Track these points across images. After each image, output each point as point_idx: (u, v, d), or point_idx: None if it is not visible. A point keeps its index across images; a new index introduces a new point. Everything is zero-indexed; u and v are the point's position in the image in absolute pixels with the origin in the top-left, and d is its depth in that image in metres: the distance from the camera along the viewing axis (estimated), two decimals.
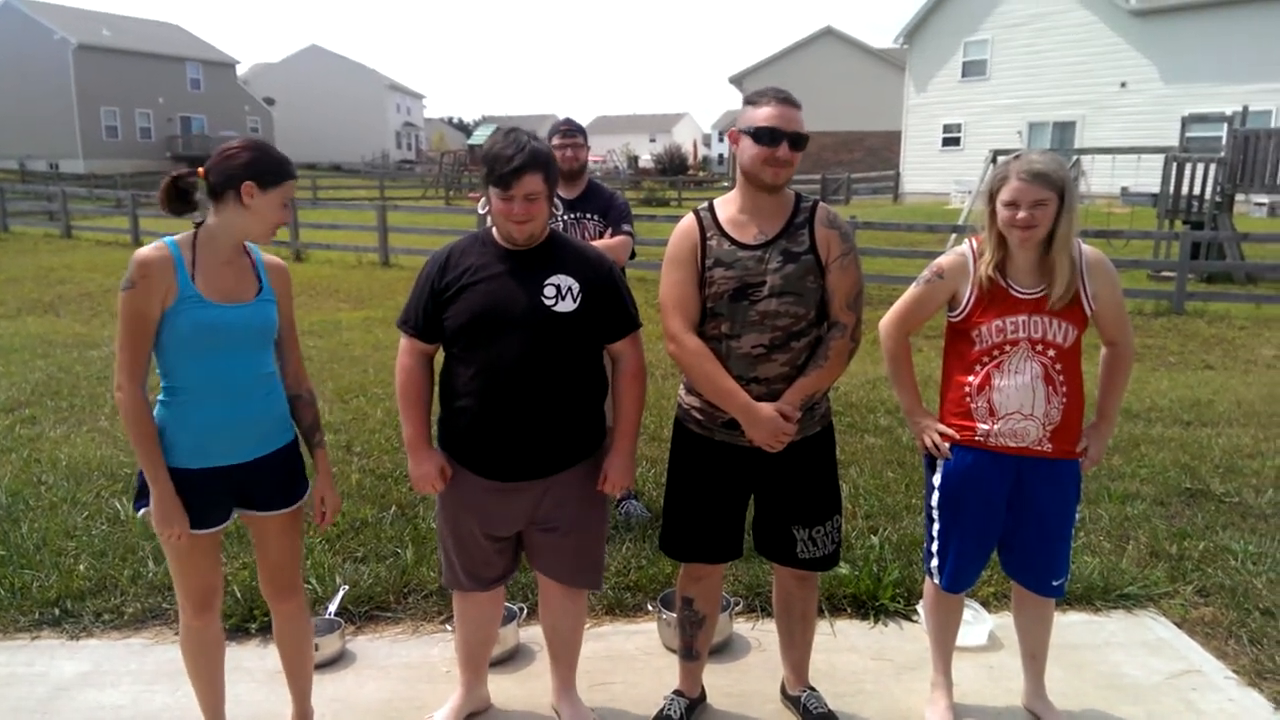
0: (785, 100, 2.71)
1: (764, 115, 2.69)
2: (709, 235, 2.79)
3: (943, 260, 2.95)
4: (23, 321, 11.26)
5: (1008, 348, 2.80)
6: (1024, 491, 2.90)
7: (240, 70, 58.69)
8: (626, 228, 4.56)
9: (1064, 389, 2.80)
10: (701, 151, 58.03)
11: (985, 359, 2.84)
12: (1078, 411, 2.86)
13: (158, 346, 2.52)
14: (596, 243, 4.34)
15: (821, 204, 2.84)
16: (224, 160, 2.51)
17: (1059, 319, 2.77)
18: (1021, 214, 2.70)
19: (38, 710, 3.23)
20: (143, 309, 2.46)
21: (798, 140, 2.69)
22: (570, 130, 4.62)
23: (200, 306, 2.50)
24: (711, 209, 2.85)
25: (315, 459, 2.83)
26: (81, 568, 4.14)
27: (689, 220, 2.86)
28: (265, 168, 2.52)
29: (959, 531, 2.98)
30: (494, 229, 2.81)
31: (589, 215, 4.58)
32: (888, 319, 3.05)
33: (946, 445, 2.94)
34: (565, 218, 4.54)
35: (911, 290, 2.99)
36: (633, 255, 4.63)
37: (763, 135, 2.68)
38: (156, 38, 52.38)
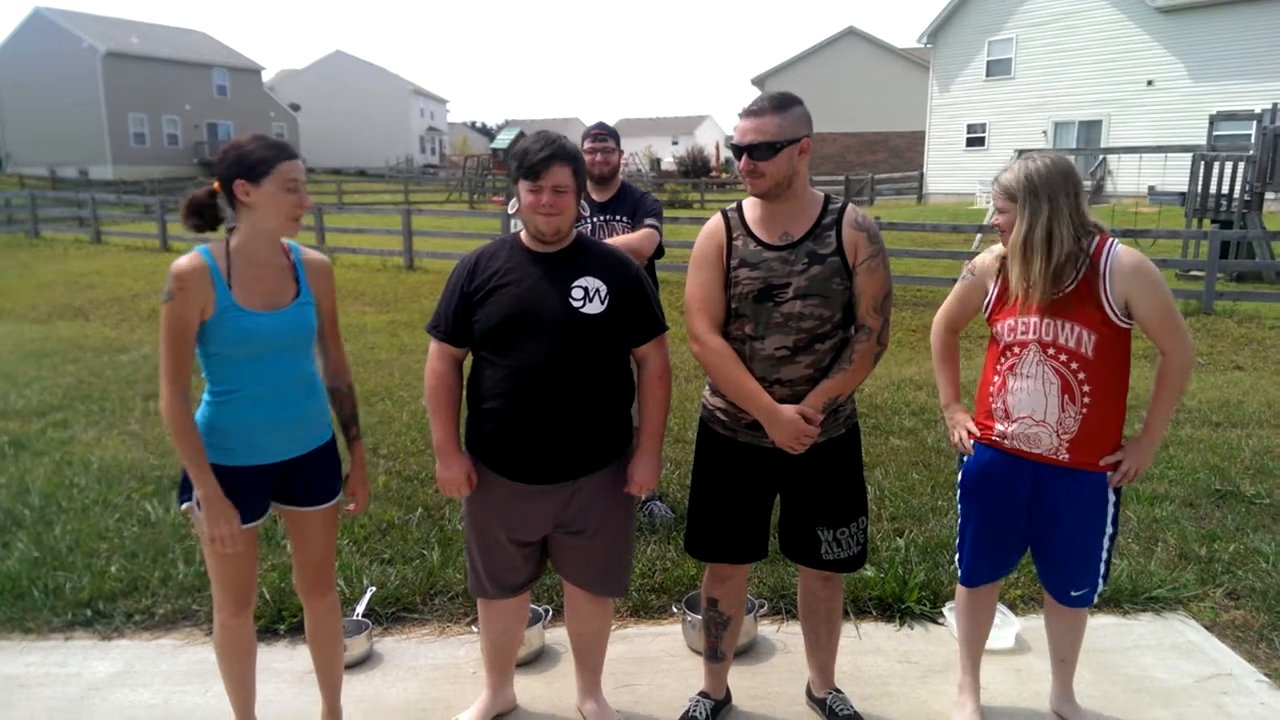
0: (750, 112, 2.70)
1: (736, 130, 2.76)
2: (735, 235, 2.80)
3: (977, 258, 2.97)
4: (54, 326, 11.42)
5: (1017, 349, 2.77)
6: (1043, 498, 2.86)
7: (266, 76, 59.17)
8: (651, 222, 4.48)
9: (1086, 399, 2.70)
10: (724, 153, 57.86)
11: (1003, 359, 2.82)
12: (1104, 423, 2.75)
13: (204, 352, 2.57)
14: (618, 238, 4.33)
15: (851, 205, 2.82)
16: (218, 167, 2.56)
17: (1070, 322, 2.69)
18: (992, 217, 2.80)
19: (71, 710, 3.28)
20: (183, 319, 2.49)
21: (754, 151, 2.68)
22: (601, 134, 4.59)
23: (240, 315, 2.54)
24: (740, 209, 2.86)
25: (351, 450, 2.91)
26: (113, 569, 4.20)
27: (716, 220, 2.86)
28: (250, 161, 2.51)
29: (973, 526, 2.98)
30: (521, 232, 2.83)
31: (618, 217, 4.54)
32: (936, 316, 3.13)
33: (970, 442, 2.95)
34: (595, 220, 4.54)
35: (954, 288, 3.05)
36: (661, 253, 4.59)
37: (734, 151, 2.75)
38: (183, 45, 52.90)
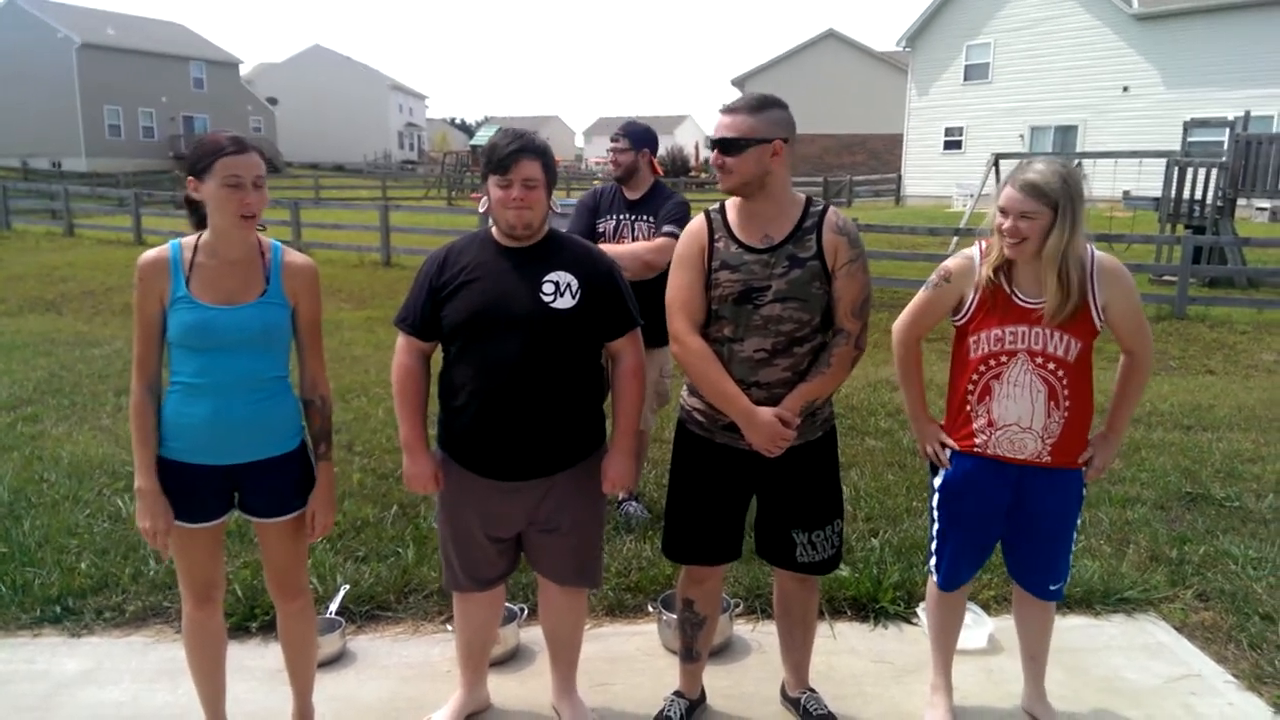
0: (727, 108, 2.71)
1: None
2: (717, 237, 2.79)
3: (950, 263, 2.90)
4: (25, 319, 11.27)
5: (1004, 358, 2.76)
6: (1025, 498, 2.88)
7: (244, 70, 58.69)
8: (669, 229, 4.33)
9: (1067, 403, 2.75)
10: (703, 154, 57.92)
11: (983, 367, 2.80)
12: (1081, 424, 2.81)
13: (168, 343, 2.56)
14: (629, 246, 4.28)
15: (832, 209, 2.80)
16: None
17: (1061, 331, 2.70)
18: (1007, 224, 2.67)
19: (39, 707, 3.23)
20: (142, 308, 2.55)
21: (724, 145, 2.68)
22: (616, 135, 4.56)
23: (190, 308, 2.51)
24: (722, 210, 2.84)
25: (317, 470, 2.75)
26: (83, 566, 4.15)
27: (698, 221, 2.85)
28: (195, 158, 2.49)
29: (956, 534, 2.98)
30: (493, 227, 2.82)
31: (644, 217, 4.49)
32: (899, 323, 3.01)
33: (946, 454, 2.94)
34: (622, 217, 4.51)
35: (920, 294, 2.95)
36: None
37: (709, 145, 2.75)
38: (160, 37, 52.38)
